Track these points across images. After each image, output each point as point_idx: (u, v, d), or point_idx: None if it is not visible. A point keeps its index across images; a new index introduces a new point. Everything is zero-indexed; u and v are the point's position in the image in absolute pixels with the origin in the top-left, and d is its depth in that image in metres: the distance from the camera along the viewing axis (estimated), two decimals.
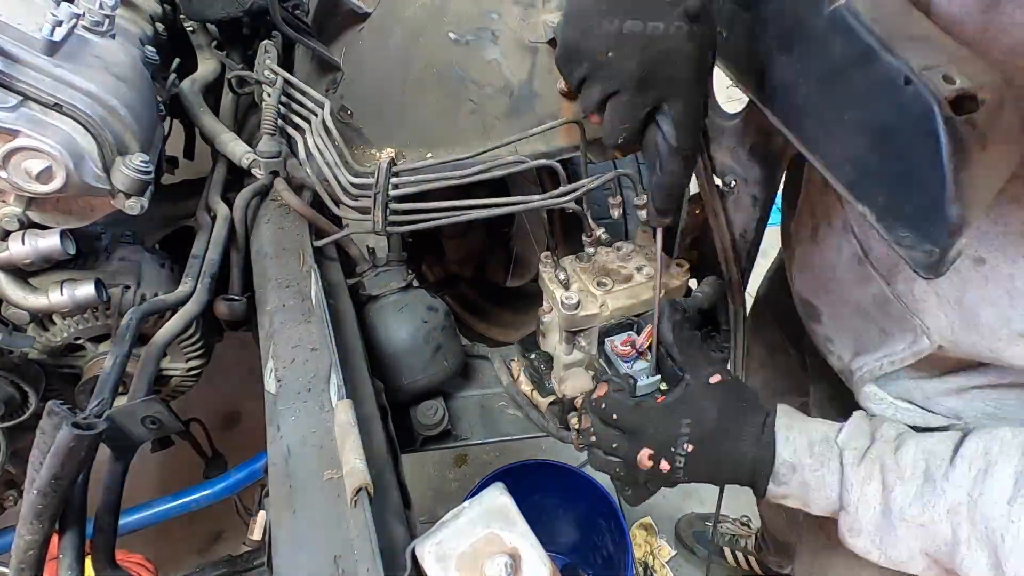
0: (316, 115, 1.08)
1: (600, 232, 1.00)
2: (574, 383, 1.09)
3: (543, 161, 0.99)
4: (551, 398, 1.16)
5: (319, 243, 1.08)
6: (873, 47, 0.55)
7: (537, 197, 0.99)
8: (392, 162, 1.00)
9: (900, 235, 0.58)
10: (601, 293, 0.98)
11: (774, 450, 0.75)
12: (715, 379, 0.80)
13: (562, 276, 1.01)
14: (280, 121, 1.12)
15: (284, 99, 1.12)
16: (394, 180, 0.99)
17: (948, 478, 0.65)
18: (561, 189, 0.97)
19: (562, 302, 0.96)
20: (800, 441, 0.75)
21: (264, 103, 1.12)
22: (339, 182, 1.01)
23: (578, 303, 0.96)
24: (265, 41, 1.21)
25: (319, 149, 1.04)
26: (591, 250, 1.04)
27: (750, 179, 0.94)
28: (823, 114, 0.65)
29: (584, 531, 1.88)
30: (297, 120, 1.11)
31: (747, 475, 0.77)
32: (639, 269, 1.02)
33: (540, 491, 1.75)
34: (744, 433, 0.76)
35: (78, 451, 0.65)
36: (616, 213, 1.03)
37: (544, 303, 1.08)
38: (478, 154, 1.02)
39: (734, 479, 0.79)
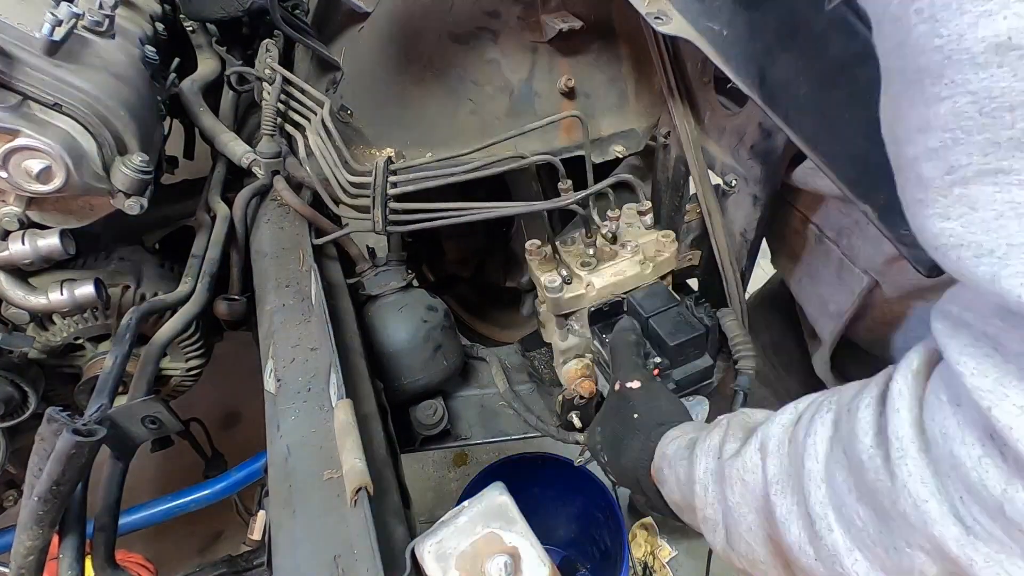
0: (316, 114, 1.07)
1: (605, 230, 1.00)
2: (570, 369, 1.08)
3: (543, 157, 0.97)
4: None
5: (319, 241, 1.08)
6: (874, 44, 0.55)
7: (543, 203, 0.98)
8: (389, 160, 0.99)
9: (902, 233, 0.58)
10: (586, 273, 0.96)
11: (653, 451, 0.72)
12: (632, 384, 0.81)
13: (556, 259, 0.99)
14: (280, 119, 1.12)
15: (284, 97, 1.12)
16: (392, 179, 0.98)
17: (763, 427, 0.57)
18: (572, 197, 0.96)
19: (546, 286, 0.95)
20: (682, 440, 0.69)
21: (264, 102, 1.12)
22: (338, 181, 1.01)
23: (560, 285, 0.95)
24: (267, 40, 1.21)
25: (319, 148, 1.04)
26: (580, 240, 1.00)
27: (751, 178, 0.94)
28: (824, 112, 0.64)
29: (581, 524, 1.88)
30: (297, 118, 1.10)
31: (633, 478, 0.75)
32: (624, 245, 1.00)
33: (538, 484, 1.75)
34: (635, 437, 0.75)
35: (78, 457, 0.64)
36: (614, 226, 0.98)
37: (538, 293, 1.07)
38: (476, 150, 1.01)
39: (633, 481, 0.75)
